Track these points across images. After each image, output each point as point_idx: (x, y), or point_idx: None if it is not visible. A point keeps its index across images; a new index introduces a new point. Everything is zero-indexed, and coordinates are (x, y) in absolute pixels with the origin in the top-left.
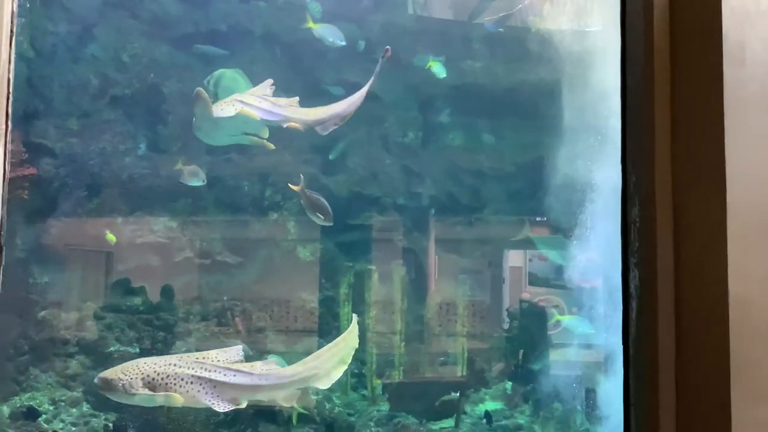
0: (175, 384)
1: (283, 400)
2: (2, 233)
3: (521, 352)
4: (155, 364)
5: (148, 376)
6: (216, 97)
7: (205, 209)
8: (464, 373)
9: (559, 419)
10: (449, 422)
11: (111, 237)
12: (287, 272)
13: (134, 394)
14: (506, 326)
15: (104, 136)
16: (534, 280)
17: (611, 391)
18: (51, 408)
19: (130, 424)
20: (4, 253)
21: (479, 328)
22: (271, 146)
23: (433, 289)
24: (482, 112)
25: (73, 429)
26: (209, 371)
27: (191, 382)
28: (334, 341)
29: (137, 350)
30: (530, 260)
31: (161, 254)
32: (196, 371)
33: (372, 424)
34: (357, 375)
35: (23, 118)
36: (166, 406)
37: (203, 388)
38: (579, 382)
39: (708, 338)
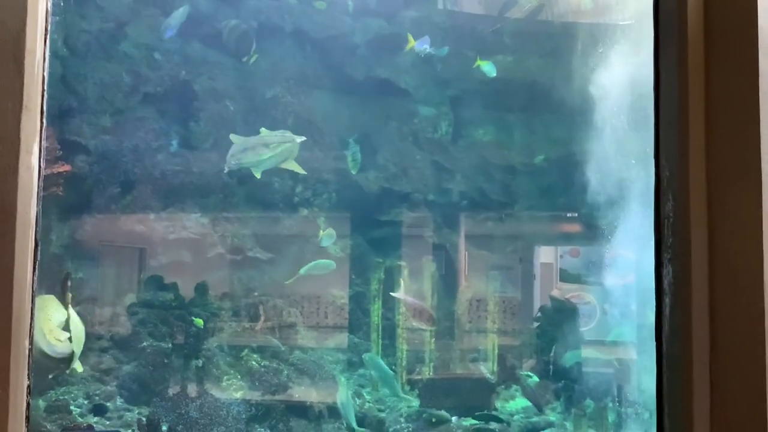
0: None
1: None
2: (37, 229)
3: (552, 348)
4: None
5: None
6: None
7: (236, 205)
8: (495, 370)
9: (590, 416)
10: (478, 418)
11: (199, 322)
12: None
13: None
14: (536, 323)
15: (137, 133)
16: (565, 277)
17: (644, 388)
18: (85, 402)
19: (163, 417)
20: (39, 248)
21: (510, 325)
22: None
23: (464, 285)
24: (513, 106)
25: (107, 423)
26: None
27: None
28: None
29: (169, 345)
30: (561, 256)
31: (193, 250)
32: None
33: (402, 419)
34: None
35: (58, 116)
36: (200, 401)
37: None
38: (611, 379)
39: (743, 335)
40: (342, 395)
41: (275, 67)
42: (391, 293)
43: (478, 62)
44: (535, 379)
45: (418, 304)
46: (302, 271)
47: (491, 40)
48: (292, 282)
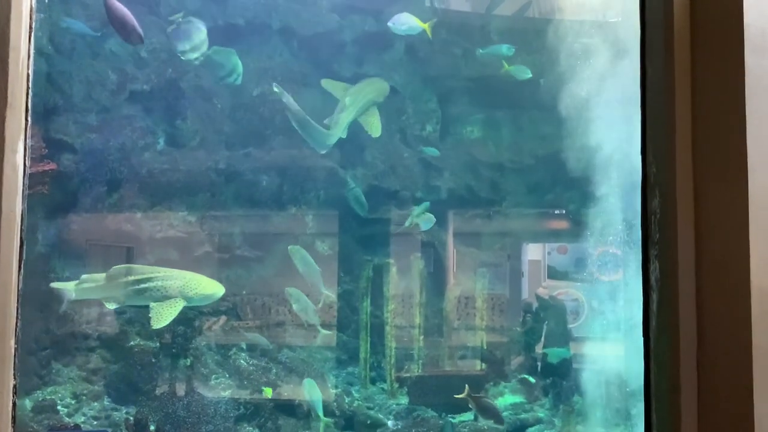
0: None
1: None
2: (23, 228)
3: (539, 345)
4: None
5: None
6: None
7: (224, 204)
8: (483, 367)
9: (579, 412)
10: (468, 416)
11: (268, 391)
12: None
13: None
14: (524, 320)
15: (123, 131)
16: (553, 274)
17: (631, 384)
18: (73, 402)
19: (151, 417)
20: (24, 247)
21: (498, 322)
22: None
23: (452, 282)
24: (501, 104)
25: (95, 423)
26: None
27: None
28: None
29: (157, 344)
30: (549, 253)
31: (181, 249)
32: None
33: (391, 417)
34: (376, 369)
35: (43, 114)
36: (187, 400)
37: None
38: (599, 374)
39: (730, 330)
40: (308, 386)
41: (261, 64)
42: (455, 395)
43: (506, 67)
44: (532, 380)
45: (486, 402)
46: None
47: (479, 37)
48: None
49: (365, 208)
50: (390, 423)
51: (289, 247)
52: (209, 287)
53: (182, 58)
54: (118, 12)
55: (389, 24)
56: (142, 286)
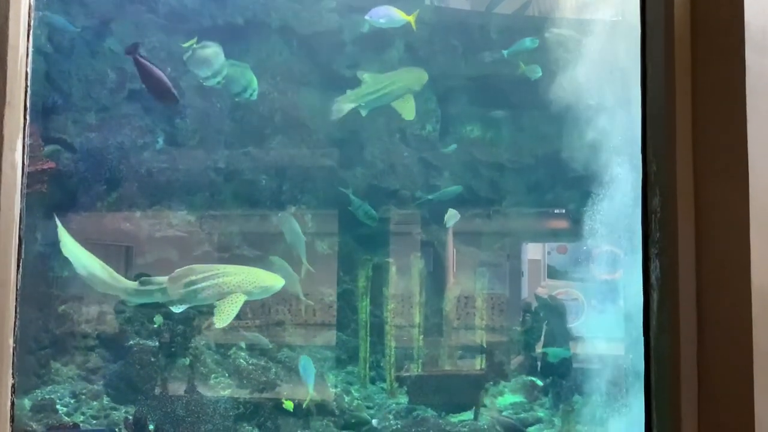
0: None
1: None
2: (21, 227)
3: (539, 345)
4: None
5: None
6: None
7: (223, 203)
8: (483, 366)
9: (578, 412)
10: (468, 415)
11: (288, 404)
12: None
13: None
14: (523, 320)
15: (122, 130)
16: (553, 273)
17: (632, 384)
18: (72, 401)
19: (150, 416)
20: (23, 246)
21: (498, 321)
22: None
23: (452, 282)
24: (501, 103)
25: (94, 422)
26: None
27: None
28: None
29: (156, 343)
30: (549, 253)
31: (180, 248)
32: None
33: (391, 417)
34: (376, 368)
35: (42, 113)
36: (186, 400)
37: None
38: (599, 374)
39: (730, 329)
40: (303, 361)
41: (261, 63)
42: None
43: (523, 67)
44: (539, 383)
45: (507, 421)
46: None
47: (479, 36)
48: None
49: (376, 219)
50: (374, 422)
51: (279, 215)
52: (268, 280)
53: (204, 84)
54: (150, 73)
55: (366, 17)
56: (202, 285)
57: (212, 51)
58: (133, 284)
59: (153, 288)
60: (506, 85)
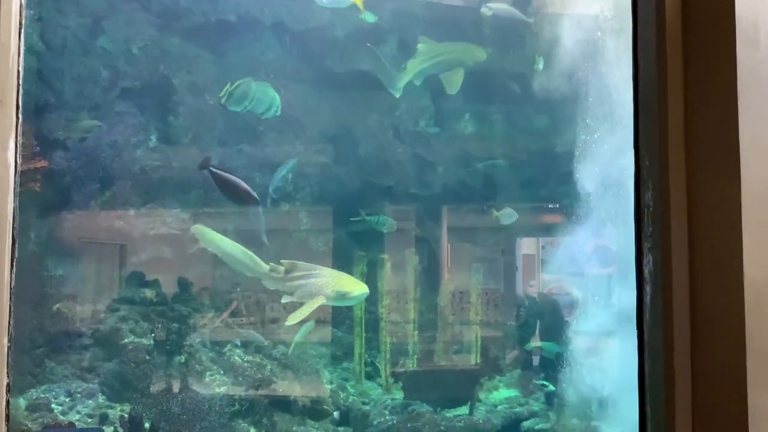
0: None
1: None
2: (15, 226)
3: (534, 339)
4: None
5: None
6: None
7: (217, 200)
8: (478, 361)
9: (573, 405)
10: (463, 410)
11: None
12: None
13: None
14: (518, 314)
15: (115, 128)
16: (547, 268)
17: (626, 377)
18: (67, 400)
19: (145, 414)
20: (17, 245)
21: (493, 316)
22: None
23: (447, 277)
24: (495, 99)
25: (89, 420)
26: None
27: None
28: None
29: (151, 342)
30: (543, 248)
31: (174, 246)
32: None
33: (386, 412)
34: (371, 364)
35: (34, 111)
36: (181, 397)
37: None
38: (594, 369)
39: (724, 323)
40: (305, 327)
41: (254, 60)
42: None
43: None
44: (551, 387)
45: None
46: (298, 338)
47: (472, 32)
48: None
49: (395, 226)
50: (385, 418)
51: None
52: (352, 286)
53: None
54: (227, 181)
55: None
56: (302, 282)
57: (245, 86)
58: (266, 268)
59: (277, 276)
60: (499, 81)
